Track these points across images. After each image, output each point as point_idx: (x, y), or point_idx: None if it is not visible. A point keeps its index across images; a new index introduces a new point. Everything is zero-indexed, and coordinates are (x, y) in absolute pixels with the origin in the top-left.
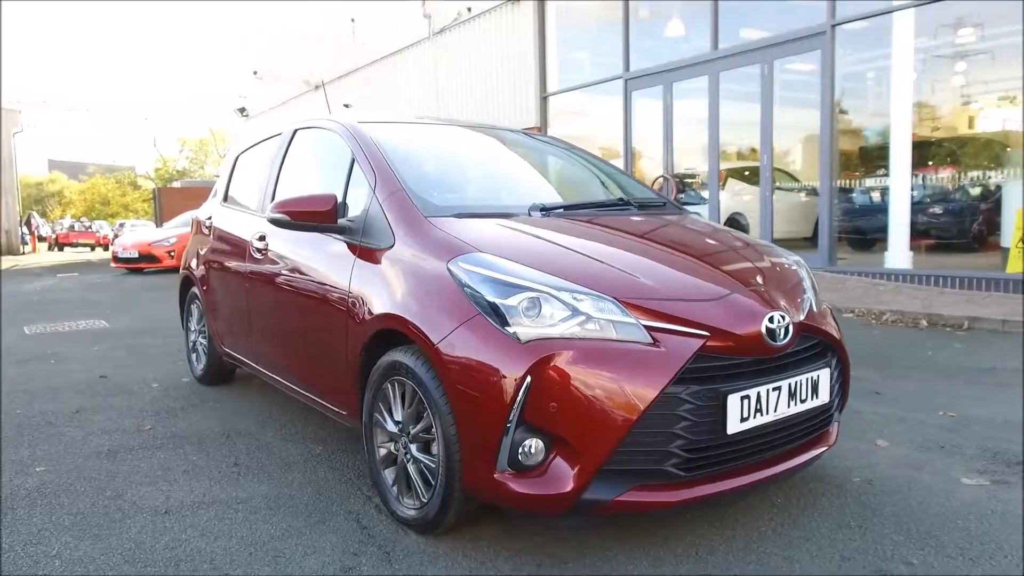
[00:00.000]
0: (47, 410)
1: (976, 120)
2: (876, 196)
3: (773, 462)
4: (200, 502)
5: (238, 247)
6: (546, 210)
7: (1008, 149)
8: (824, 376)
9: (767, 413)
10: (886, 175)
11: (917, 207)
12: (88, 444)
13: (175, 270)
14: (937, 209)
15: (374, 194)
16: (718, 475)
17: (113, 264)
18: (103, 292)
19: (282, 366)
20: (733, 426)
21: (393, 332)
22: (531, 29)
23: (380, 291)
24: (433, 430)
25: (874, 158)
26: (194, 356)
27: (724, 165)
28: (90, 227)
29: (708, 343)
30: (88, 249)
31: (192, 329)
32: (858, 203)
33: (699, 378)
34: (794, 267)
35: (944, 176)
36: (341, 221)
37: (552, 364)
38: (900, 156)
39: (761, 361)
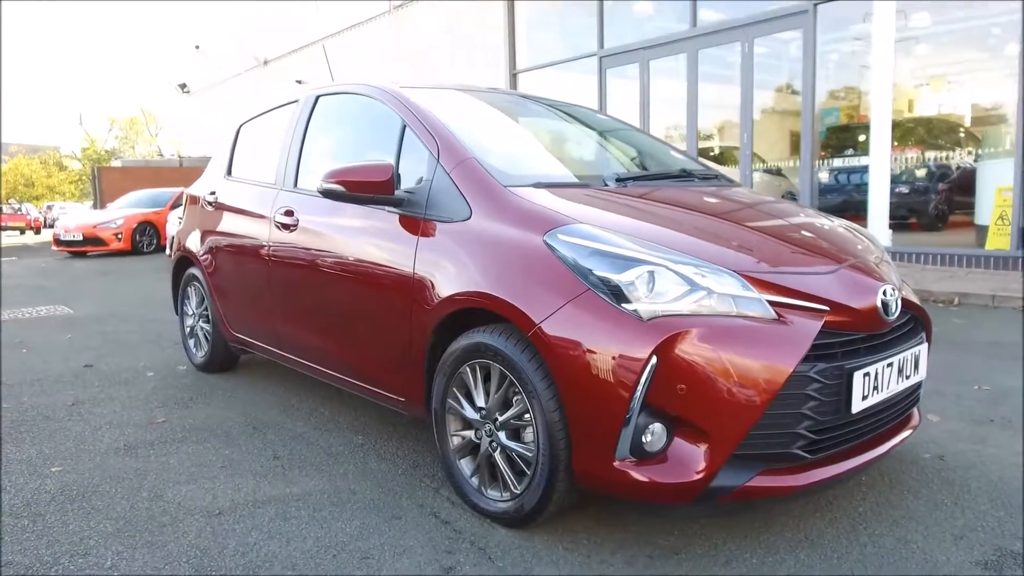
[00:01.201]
0: (39, 404)
1: (953, 101)
2: (856, 175)
3: (878, 441)
4: (253, 500)
5: (254, 224)
6: (622, 180)
7: (985, 128)
8: (923, 351)
9: (883, 390)
10: (866, 154)
11: (895, 186)
12: (100, 440)
13: (123, 253)
14: (915, 187)
15: (438, 163)
16: (838, 456)
17: (55, 247)
18: (54, 277)
19: (318, 350)
20: (856, 404)
21: (472, 312)
22: (500, 3)
23: (457, 268)
24: (527, 416)
25: (854, 138)
26: (192, 342)
27: (702, 145)
28: (19, 209)
29: (828, 318)
30: (18, 232)
31: (190, 313)
32: (838, 182)
33: (823, 355)
34: (874, 243)
35: (917, 156)
36: (398, 192)
37: (679, 343)
38: (880, 136)
39: (873, 336)
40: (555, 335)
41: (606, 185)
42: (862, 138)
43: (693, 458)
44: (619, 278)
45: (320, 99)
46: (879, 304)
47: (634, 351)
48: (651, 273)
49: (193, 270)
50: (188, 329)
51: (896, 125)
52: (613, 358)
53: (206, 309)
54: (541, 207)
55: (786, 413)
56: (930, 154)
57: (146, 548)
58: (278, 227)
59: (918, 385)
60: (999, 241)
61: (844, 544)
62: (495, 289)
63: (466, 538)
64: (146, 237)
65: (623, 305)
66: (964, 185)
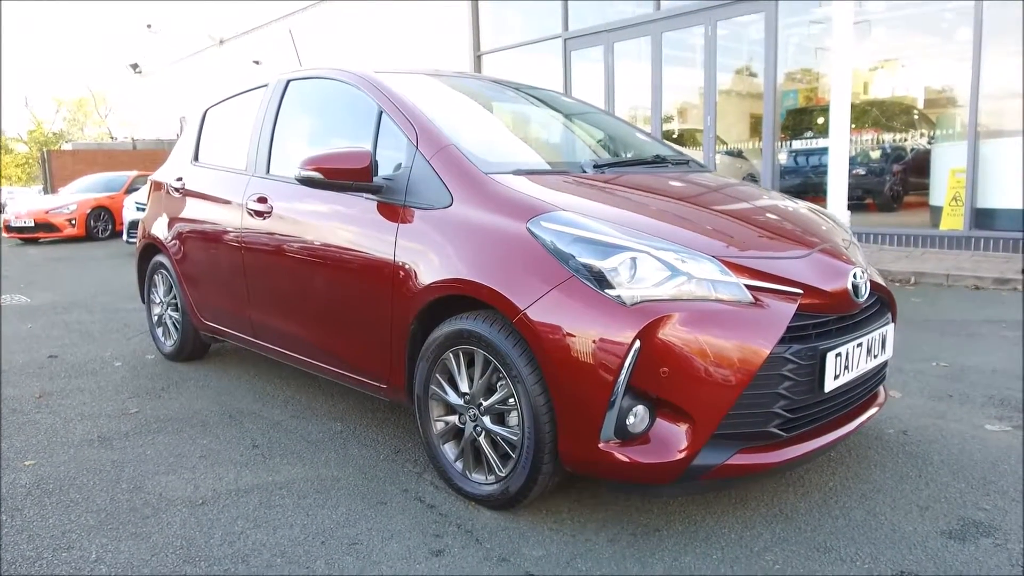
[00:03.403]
0: (5, 396)
1: (907, 84)
2: (814, 157)
3: (848, 418)
4: (236, 489)
5: (225, 210)
6: (599, 167)
7: (939, 111)
8: (890, 331)
9: (853, 370)
10: (824, 136)
11: (852, 167)
12: (72, 432)
13: (76, 239)
14: (871, 169)
15: (417, 150)
16: (811, 433)
17: (5, 234)
18: (7, 265)
19: (294, 338)
20: (829, 383)
21: (454, 298)
22: None
23: (439, 255)
24: (511, 400)
25: (813, 120)
26: (161, 331)
27: (666, 127)
28: None
29: (801, 301)
30: None
31: (158, 302)
32: (797, 164)
33: (797, 337)
34: (840, 225)
35: (873, 138)
36: (376, 179)
37: (662, 327)
38: (839, 118)
39: (843, 318)
40: (540, 321)
41: (584, 171)
42: (820, 120)
43: (675, 438)
44: (602, 264)
45: (291, 84)
46: (850, 287)
47: (618, 336)
48: (633, 259)
49: (160, 258)
50: (156, 318)
51: (852, 107)
52: (597, 342)
53: (174, 297)
54: (523, 194)
55: (763, 393)
56: (886, 136)
57: (131, 540)
58: (251, 214)
59: (884, 364)
60: (953, 222)
61: (817, 517)
62: (479, 276)
63: (452, 521)
64: (101, 223)
65: (606, 291)
66: (918, 167)
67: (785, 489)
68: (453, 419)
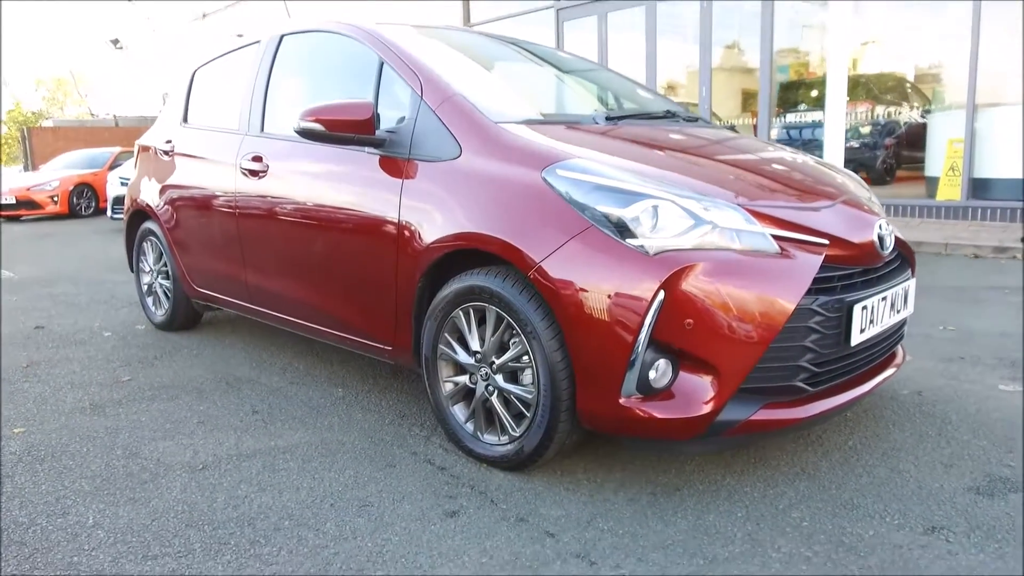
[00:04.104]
0: None
1: (902, 56)
2: (808, 131)
3: (869, 376)
4: (237, 454)
5: (218, 172)
6: (612, 119)
7: (936, 82)
8: (912, 286)
9: (877, 324)
10: (818, 110)
11: (846, 140)
12: (63, 400)
13: (59, 217)
14: (865, 142)
15: (422, 100)
16: (836, 389)
17: None
18: None
19: (294, 302)
20: (855, 337)
21: (463, 254)
22: None
23: (448, 209)
24: (525, 358)
25: (807, 94)
26: (151, 301)
27: None
28: None
29: (827, 252)
30: None
31: (148, 270)
32: (791, 137)
33: (824, 289)
34: (856, 181)
35: (867, 111)
36: (379, 132)
37: (686, 277)
38: (836, 91)
39: (868, 271)
40: (557, 274)
41: (596, 123)
42: (814, 94)
43: (700, 393)
44: (623, 213)
45: (285, 39)
46: (875, 239)
47: (641, 286)
48: (655, 208)
49: (149, 224)
50: (146, 287)
51: (853, 80)
52: (619, 294)
53: (165, 265)
54: (536, 143)
55: (790, 346)
56: (879, 109)
57: (128, 505)
58: (245, 174)
59: (904, 321)
60: (950, 192)
61: (839, 475)
62: (491, 229)
63: (465, 483)
64: (84, 200)
65: (628, 241)
66: (911, 139)
67: (805, 448)
68: (463, 379)
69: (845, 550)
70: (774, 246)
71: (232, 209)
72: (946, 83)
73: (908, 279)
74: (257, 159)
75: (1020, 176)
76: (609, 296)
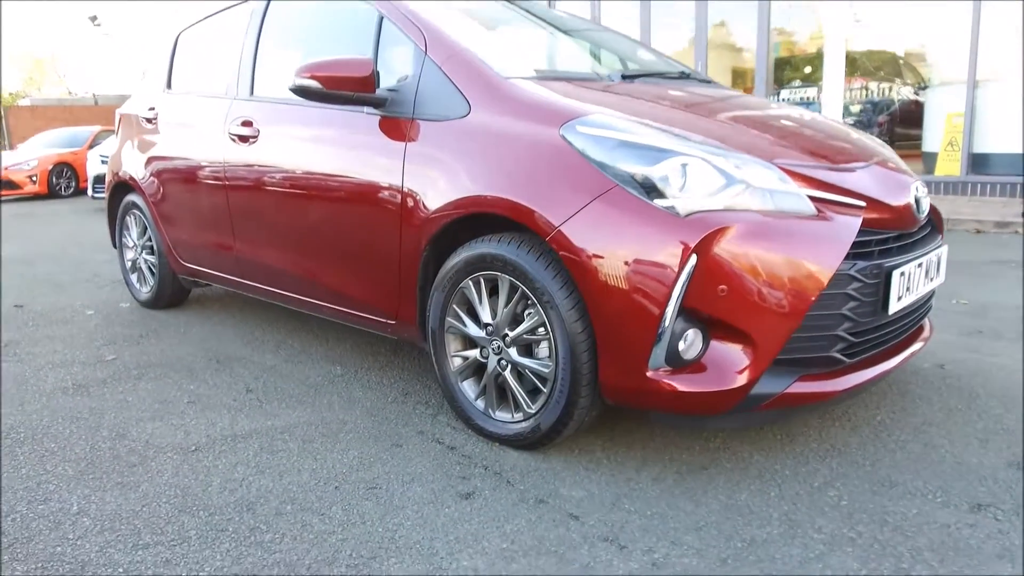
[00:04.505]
0: None
1: (901, 32)
2: (807, 107)
3: (900, 348)
4: (232, 435)
5: (205, 138)
6: (627, 77)
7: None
8: (944, 254)
9: (913, 291)
10: (812, 86)
11: (843, 116)
12: (44, 380)
13: (38, 197)
14: (859, 119)
15: (426, 56)
16: (870, 360)
17: None
18: None
19: (288, 276)
20: (893, 305)
21: (473, 220)
22: None
23: (456, 171)
24: (541, 330)
25: (800, 70)
26: (136, 277)
27: None
28: None
29: (864, 215)
30: None
31: (131, 245)
32: None
33: (861, 254)
34: (885, 144)
35: (862, 87)
36: (380, 91)
37: (720, 240)
38: (834, 67)
39: (903, 235)
40: (578, 238)
41: (611, 81)
42: (808, 70)
43: (734, 364)
44: (650, 171)
45: None
46: (912, 201)
47: (671, 250)
48: (684, 165)
49: (132, 197)
50: (130, 263)
51: (851, 55)
52: (647, 258)
53: (150, 240)
54: (552, 98)
55: (827, 314)
56: (876, 85)
57: (116, 490)
58: (234, 140)
59: (933, 292)
60: (949, 167)
61: (872, 451)
62: (505, 192)
63: (478, 463)
64: (64, 179)
65: (656, 201)
66: (908, 115)
67: (832, 424)
68: (473, 354)
69: (890, 530)
70: (811, 207)
71: (221, 178)
72: (945, 58)
73: (940, 245)
74: (247, 124)
75: (1020, 151)
76: (636, 261)
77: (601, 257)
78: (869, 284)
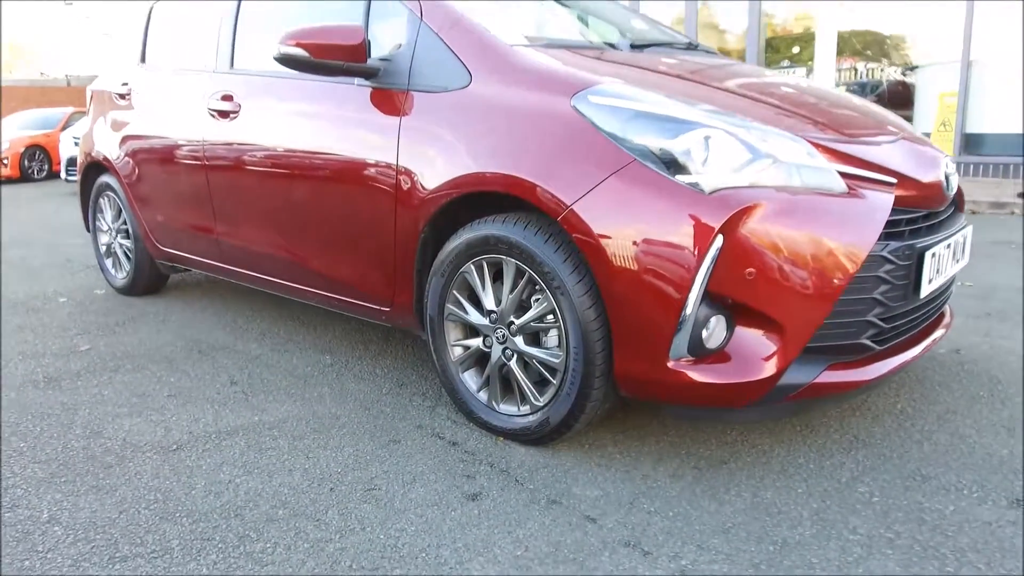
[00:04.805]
0: None
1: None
2: None
3: (923, 335)
4: (216, 432)
5: (182, 115)
6: (637, 46)
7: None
8: (969, 234)
9: (943, 273)
10: (801, 66)
11: None
12: (13, 373)
13: (11, 181)
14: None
15: (422, 23)
16: (900, 346)
17: None
18: None
19: (273, 260)
20: (924, 288)
21: (475, 199)
22: None
23: (456, 146)
24: (550, 317)
25: (788, 49)
26: (111, 262)
27: None
28: None
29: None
30: None
31: (106, 229)
32: None
33: (893, 234)
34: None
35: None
36: (371, 61)
37: (748, 220)
38: (825, 46)
39: (930, 215)
40: (593, 218)
41: (620, 50)
42: (796, 50)
43: (761, 353)
44: (671, 145)
45: None
46: (943, 178)
47: (696, 231)
48: (706, 138)
49: (106, 178)
50: (104, 248)
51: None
52: (669, 240)
53: (125, 223)
54: (561, 67)
55: (859, 299)
56: (862, 66)
57: (92, 494)
58: (213, 116)
59: (954, 276)
60: (941, 147)
61: (898, 442)
62: (510, 168)
63: (482, 460)
64: (36, 162)
65: (678, 177)
66: (895, 96)
67: (852, 414)
68: (475, 343)
69: (929, 529)
70: (841, 184)
71: (199, 156)
72: (938, 37)
73: (966, 225)
74: (227, 98)
75: (1017, 131)
76: (657, 242)
77: (618, 238)
78: (901, 266)
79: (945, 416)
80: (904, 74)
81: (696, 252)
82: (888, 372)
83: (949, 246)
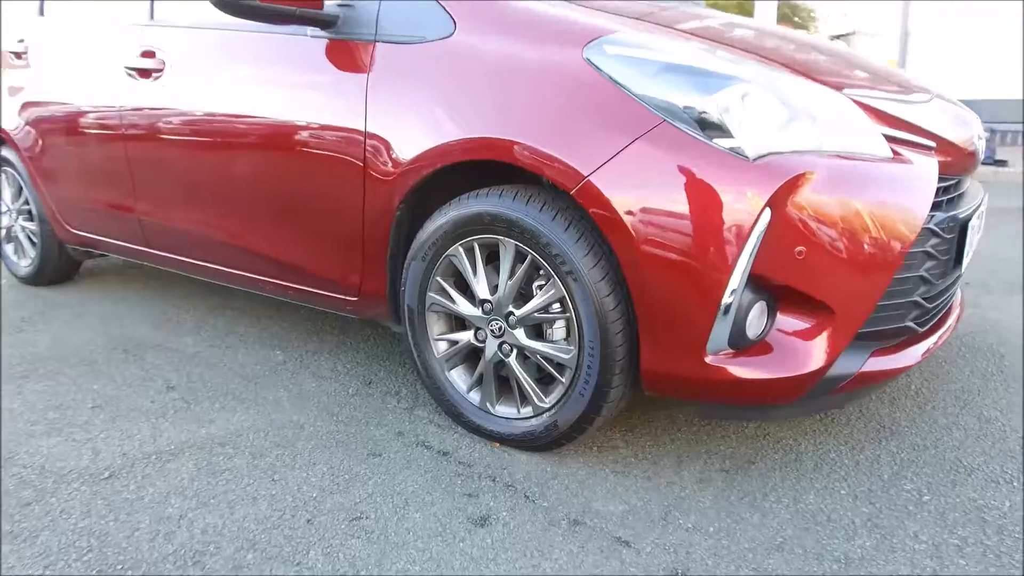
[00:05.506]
0: None
1: None
2: None
3: (949, 311)
4: (156, 452)
5: (94, 75)
6: None
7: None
8: (986, 203)
9: (973, 245)
10: None
11: None
12: None
13: None
14: None
15: None
16: (935, 325)
17: None
18: None
19: (211, 244)
20: (964, 262)
21: (464, 170)
22: None
23: (439, 107)
24: (556, 307)
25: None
26: (11, 248)
27: None
28: None
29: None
30: None
31: (4, 211)
32: None
33: (936, 204)
34: None
35: None
36: (328, 6)
37: (799, 190)
38: (765, 15)
39: (960, 182)
40: (616, 190)
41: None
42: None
43: (809, 343)
44: (707, 103)
45: None
46: (977, 141)
47: (741, 203)
48: (745, 96)
49: (3, 152)
50: (3, 232)
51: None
52: (709, 215)
53: (27, 203)
54: (567, 12)
55: (907, 277)
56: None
57: (5, 543)
58: (132, 75)
59: None
60: None
61: (926, 429)
62: (511, 132)
63: (482, 473)
64: None
65: (716, 141)
66: None
67: (868, 399)
68: (464, 336)
69: (995, 532)
70: (886, 148)
71: (116, 124)
72: (874, 6)
73: (985, 193)
74: (148, 55)
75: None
76: (694, 218)
77: (646, 214)
78: (946, 240)
79: (962, 396)
80: (840, 36)
81: (741, 229)
82: (927, 353)
83: (980, 216)
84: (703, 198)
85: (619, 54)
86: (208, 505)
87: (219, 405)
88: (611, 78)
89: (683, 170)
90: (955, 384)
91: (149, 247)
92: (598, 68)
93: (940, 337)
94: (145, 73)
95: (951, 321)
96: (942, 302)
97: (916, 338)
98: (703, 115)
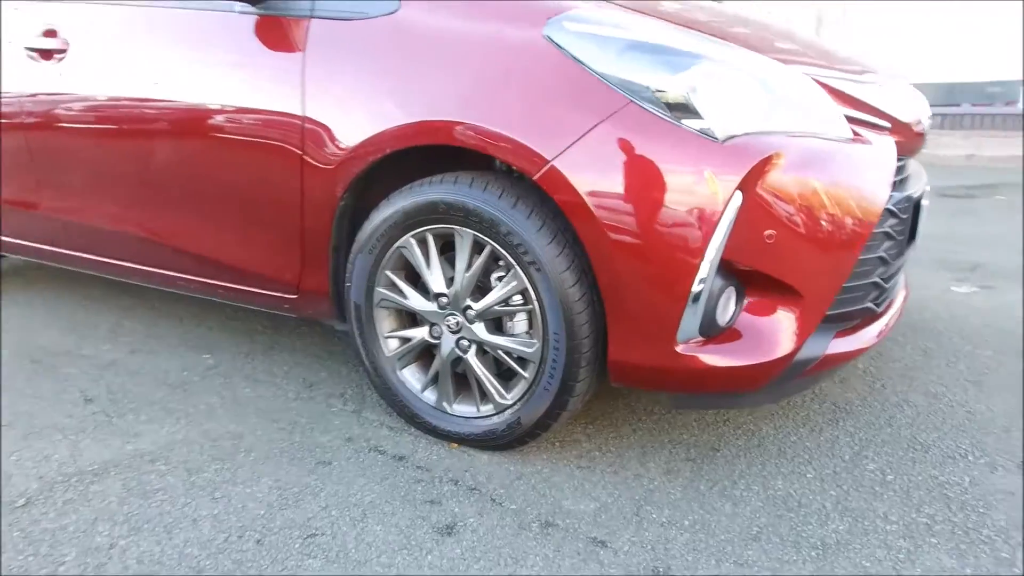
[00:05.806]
0: None
1: None
2: None
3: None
4: (78, 472)
5: None
6: None
7: None
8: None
9: (921, 225)
10: None
11: None
12: None
13: None
14: None
15: None
16: (888, 306)
17: None
18: None
19: (131, 241)
20: (916, 241)
21: (414, 156)
22: None
23: (385, 89)
24: (517, 299)
25: None
26: None
27: None
28: None
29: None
30: None
31: None
32: None
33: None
34: None
35: None
36: None
37: (769, 172)
38: None
39: (907, 163)
40: (581, 175)
41: None
42: None
43: (779, 327)
44: (674, 81)
45: None
46: (924, 120)
47: (712, 186)
48: (713, 75)
49: None
50: None
51: None
52: (679, 199)
53: None
54: None
55: (869, 259)
56: None
57: None
58: (32, 57)
59: None
60: None
61: (878, 408)
62: (468, 115)
63: (442, 477)
64: None
65: (686, 123)
66: None
67: (840, 388)
68: (418, 333)
69: (959, 508)
70: (847, 129)
71: (15, 111)
72: None
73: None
74: (50, 33)
75: None
76: (663, 202)
77: (613, 199)
78: (902, 220)
79: (908, 374)
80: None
81: (712, 213)
82: (881, 334)
83: (928, 195)
84: (672, 181)
85: (581, 31)
86: (142, 531)
87: (145, 417)
88: (573, 56)
89: (651, 153)
90: (899, 362)
91: (56, 246)
92: (559, 46)
93: (892, 317)
94: (47, 54)
95: (899, 301)
96: (894, 282)
97: (872, 318)
98: (671, 95)
